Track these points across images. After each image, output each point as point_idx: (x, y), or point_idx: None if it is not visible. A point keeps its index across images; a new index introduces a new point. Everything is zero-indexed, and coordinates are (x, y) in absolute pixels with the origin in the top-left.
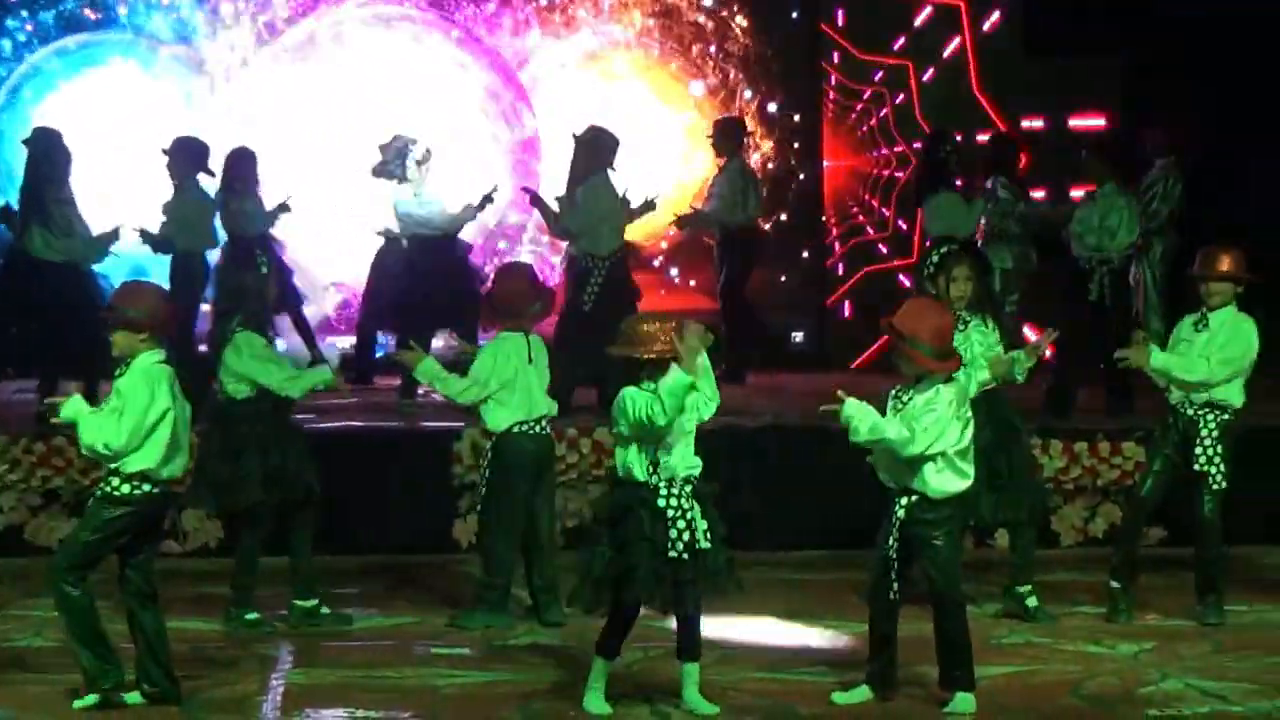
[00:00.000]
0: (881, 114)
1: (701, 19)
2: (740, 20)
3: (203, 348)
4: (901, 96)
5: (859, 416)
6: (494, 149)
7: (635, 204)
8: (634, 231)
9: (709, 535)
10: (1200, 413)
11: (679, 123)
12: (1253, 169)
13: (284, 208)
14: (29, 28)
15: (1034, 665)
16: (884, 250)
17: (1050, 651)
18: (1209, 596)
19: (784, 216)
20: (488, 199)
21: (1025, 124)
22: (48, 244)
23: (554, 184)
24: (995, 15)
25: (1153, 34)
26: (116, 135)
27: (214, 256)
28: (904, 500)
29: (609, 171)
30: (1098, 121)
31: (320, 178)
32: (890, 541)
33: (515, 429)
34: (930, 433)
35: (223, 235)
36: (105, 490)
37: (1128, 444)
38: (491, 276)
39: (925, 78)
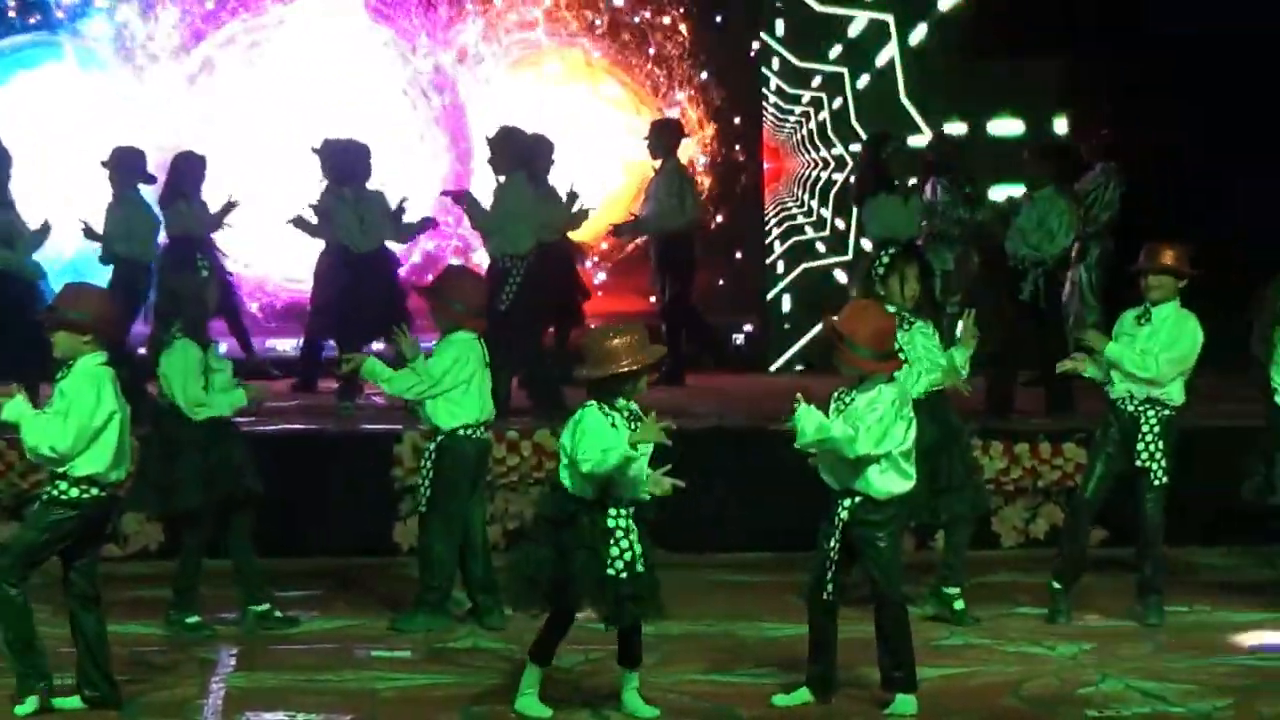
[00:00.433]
0: (819, 118)
1: (639, 20)
2: (681, 27)
3: (141, 350)
4: (839, 101)
5: (806, 418)
6: (428, 151)
7: (573, 208)
8: (581, 232)
9: (644, 560)
10: (1141, 409)
11: (616, 125)
12: (1240, 187)
13: (231, 205)
14: None
15: (974, 666)
16: (821, 249)
17: (990, 652)
18: (1150, 597)
19: (720, 218)
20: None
21: (948, 129)
22: None
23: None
24: (923, 26)
25: (1143, 51)
26: (51, 137)
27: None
28: (847, 501)
29: (531, 174)
30: (1016, 127)
31: (258, 176)
32: (831, 543)
33: (461, 431)
34: (874, 432)
35: (163, 238)
36: (52, 494)
37: (1068, 445)
38: (441, 277)
39: (860, 84)
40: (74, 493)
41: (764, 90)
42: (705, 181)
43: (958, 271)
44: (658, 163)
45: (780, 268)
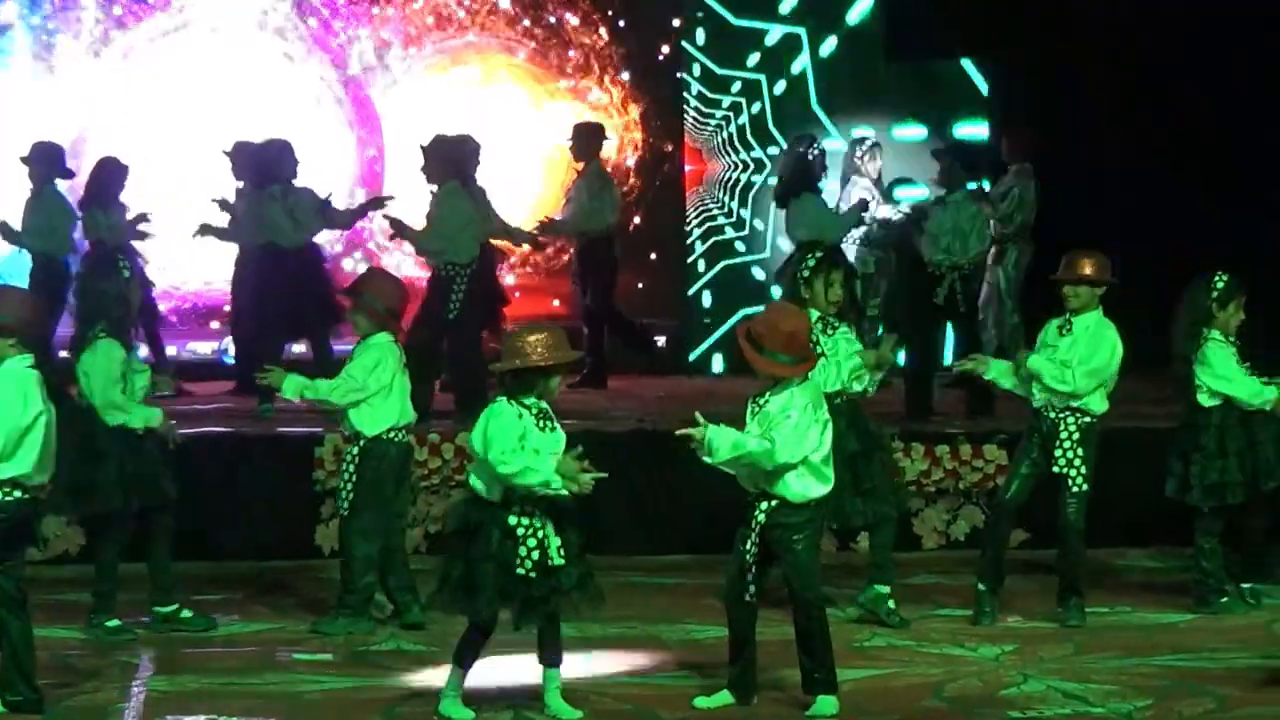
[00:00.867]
0: (739, 122)
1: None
2: (602, 30)
3: (64, 353)
4: (758, 106)
5: (718, 439)
6: (341, 153)
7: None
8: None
9: (562, 552)
10: (1061, 416)
11: (537, 127)
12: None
13: (142, 218)
14: None
15: (896, 668)
16: (741, 248)
17: (912, 654)
18: (1070, 598)
19: (639, 220)
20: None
21: (858, 133)
22: None
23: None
24: (832, 39)
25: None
26: None
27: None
28: (764, 504)
29: (463, 179)
30: (920, 133)
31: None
32: (749, 545)
33: (384, 434)
34: (790, 440)
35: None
36: None
37: (989, 447)
38: (362, 279)
39: (777, 90)
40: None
41: (685, 94)
42: (627, 184)
43: (877, 275)
44: (580, 165)
45: (701, 266)
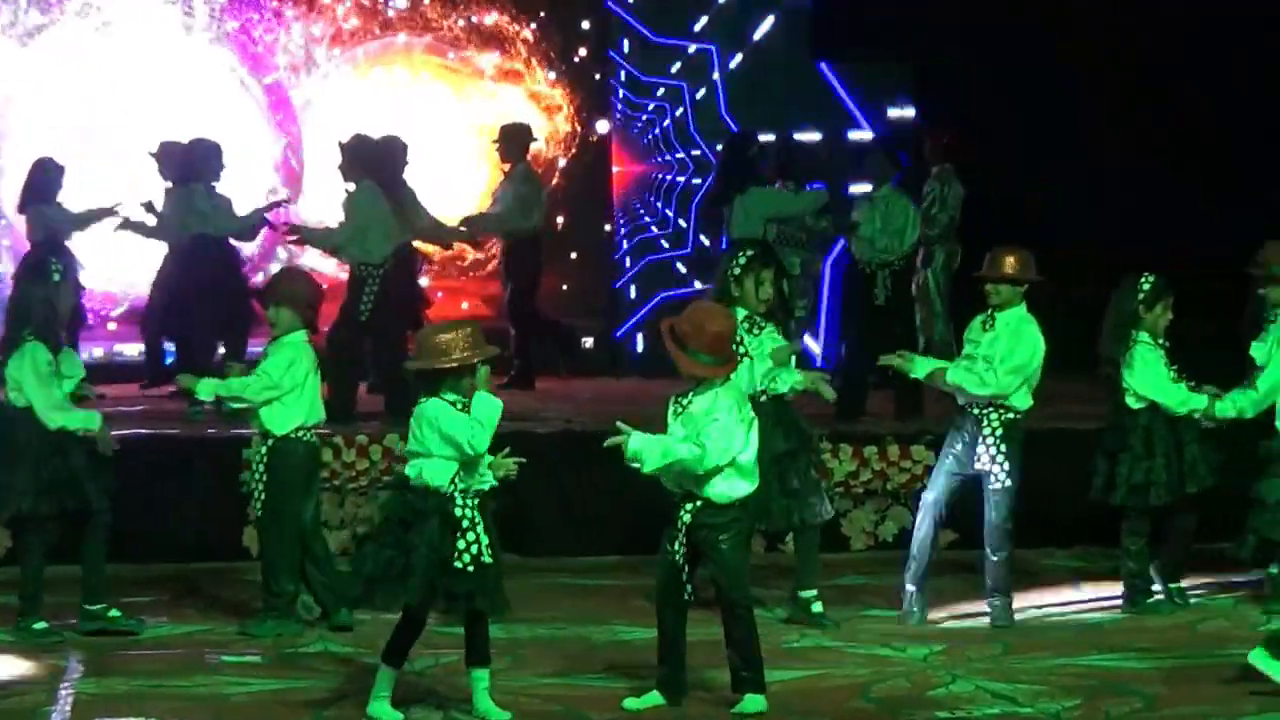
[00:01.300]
0: (664, 124)
1: (488, 24)
2: (527, 33)
3: None
4: (680, 110)
5: (645, 449)
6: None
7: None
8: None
9: (491, 550)
10: (984, 413)
11: (466, 128)
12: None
13: (108, 211)
14: None
15: (824, 669)
16: (665, 245)
17: (841, 655)
18: (998, 599)
19: (560, 220)
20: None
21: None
22: None
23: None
24: (739, 56)
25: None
26: None
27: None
28: (689, 505)
29: (383, 179)
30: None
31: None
32: (676, 546)
33: (293, 433)
34: (718, 443)
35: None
36: None
37: (917, 447)
38: (277, 278)
39: (697, 96)
40: None
41: (611, 99)
42: (554, 183)
43: (803, 276)
44: (507, 166)
45: (628, 262)
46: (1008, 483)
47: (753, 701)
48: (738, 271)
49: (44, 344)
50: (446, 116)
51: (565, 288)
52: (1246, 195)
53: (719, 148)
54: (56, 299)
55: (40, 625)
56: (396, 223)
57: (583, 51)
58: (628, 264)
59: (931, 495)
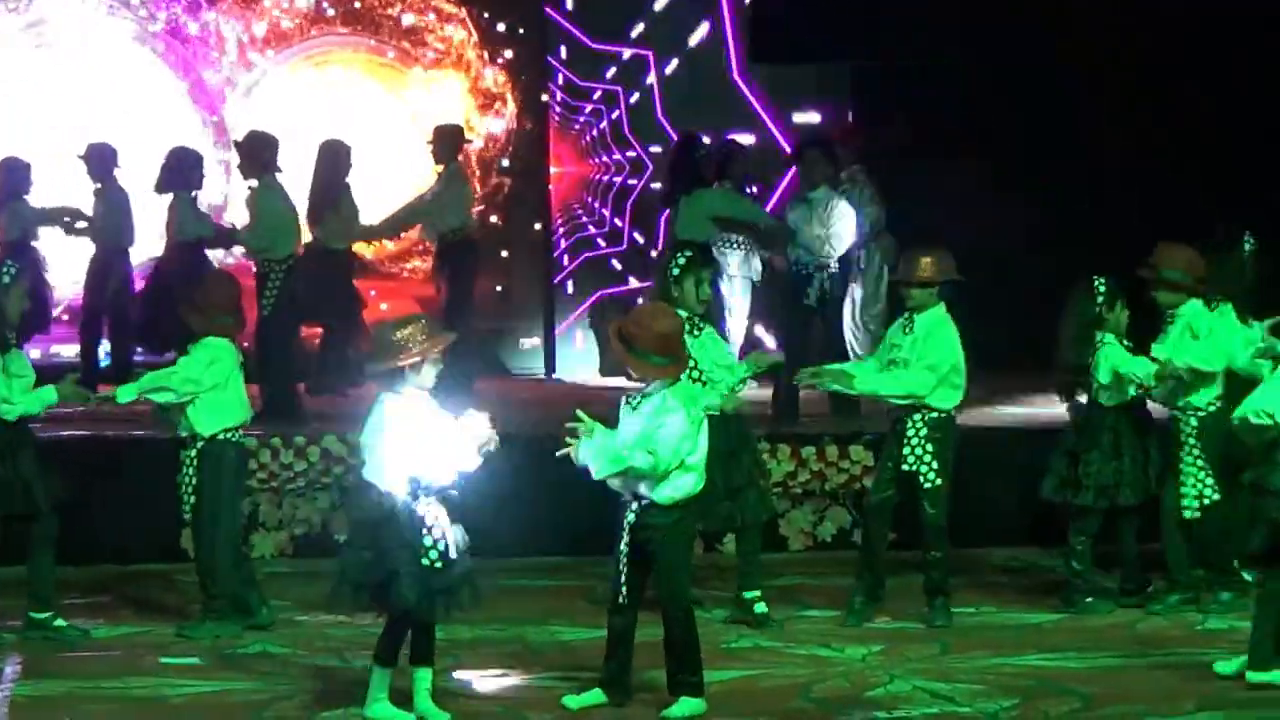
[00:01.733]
0: (600, 127)
1: (422, 23)
2: (464, 31)
3: None
4: (616, 113)
5: (596, 457)
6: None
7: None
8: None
9: (457, 546)
10: (908, 414)
11: (399, 128)
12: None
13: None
14: None
15: (763, 669)
16: (602, 244)
17: (780, 655)
18: (936, 599)
19: (495, 219)
20: None
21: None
22: None
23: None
24: (675, 61)
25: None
26: None
27: None
28: (634, 505)
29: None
30: (746, 138)
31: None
32: (622, 546)
33: (221, 435)
34: (669, 445)
35: None
36: None
37: (855, 448)
38: (198, 282)
39: (631, 101)
40: None
41: (547, 99)
42: (488, 184)
43: (743, 277)
44: (440, 167)
45: (565, 260)
46: (937, 481)
47: (687, 705)
48: (677, 272)
49: None
50: (383, 115)
51: (499, 289)
52: (1246, 195)
53: (672, 148)
54: (5, 301)
55: None
56: (296, 219)
57: (516, 53)
58: (565, 262)
59: (872, 497)
